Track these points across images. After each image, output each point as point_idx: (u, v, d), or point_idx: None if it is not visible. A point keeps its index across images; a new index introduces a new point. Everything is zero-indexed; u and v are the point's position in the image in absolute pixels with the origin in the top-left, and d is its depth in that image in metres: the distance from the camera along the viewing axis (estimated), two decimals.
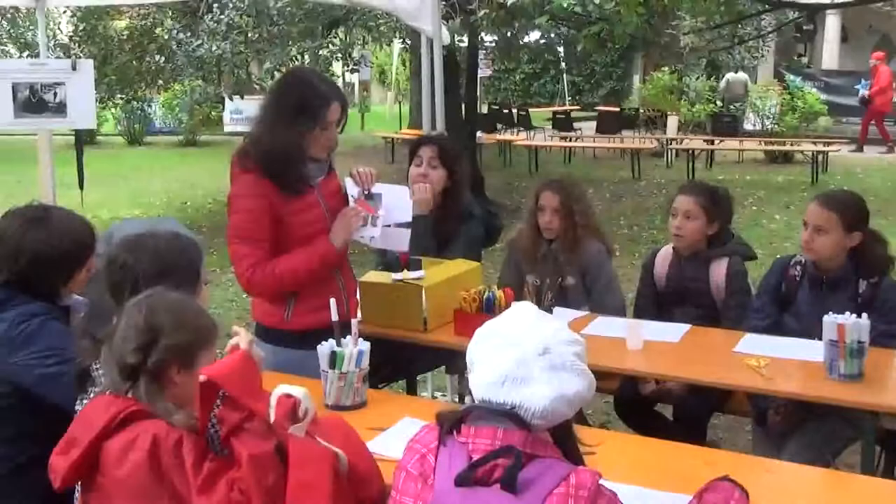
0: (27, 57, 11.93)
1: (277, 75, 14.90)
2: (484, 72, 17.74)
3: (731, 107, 17.82)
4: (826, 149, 13.88)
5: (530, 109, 19.63)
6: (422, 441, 1.75)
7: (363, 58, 16.84)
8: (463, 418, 1.70)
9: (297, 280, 3.06)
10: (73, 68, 5.73)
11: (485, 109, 19.74)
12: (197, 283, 2.38)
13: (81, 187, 10.12)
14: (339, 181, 3.27)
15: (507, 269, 4.15)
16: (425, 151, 3.86)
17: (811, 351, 3.06)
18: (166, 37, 11.03)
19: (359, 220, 3.18)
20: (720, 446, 3.84)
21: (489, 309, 3.29)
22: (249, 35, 11.08)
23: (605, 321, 3.61)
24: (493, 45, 13.95)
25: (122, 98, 13.78)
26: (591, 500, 1.58)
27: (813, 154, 13.41)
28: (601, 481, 1.63)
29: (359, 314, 3.34)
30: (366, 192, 3.25)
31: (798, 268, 3.45)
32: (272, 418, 1.87)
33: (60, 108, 5.70)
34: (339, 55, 12.66)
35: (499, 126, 18.75)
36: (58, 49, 11.57)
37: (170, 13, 11.37)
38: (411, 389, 3.86)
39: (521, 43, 13.28)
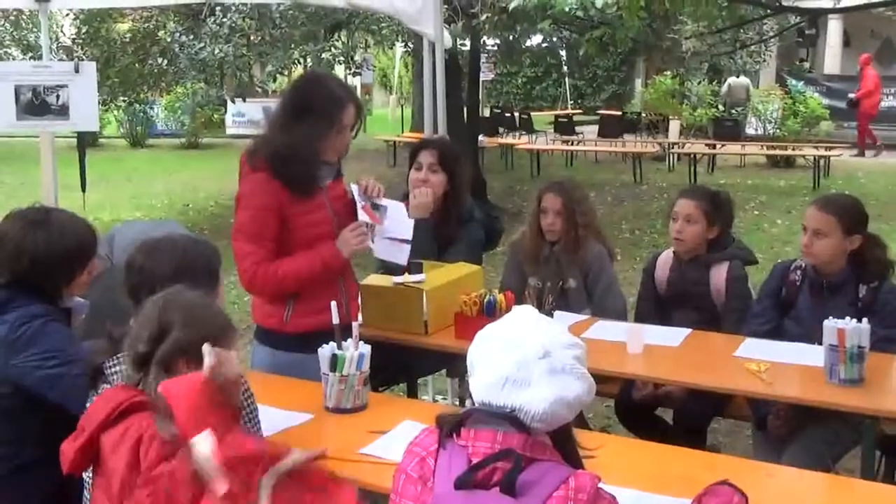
0: (30, 59, 11.94)
1: (280, 78, 14.96)
2: (486, 75, 17.75)
3: (733, 111, 17.82)
4: (828, 153, 13.88)
5: (532, 113, 19.66)
6: (421, 444, 1.76)
7: (365, 61, 16.89)
8: (462, 421, 1.71)
9: (298, 283, 3.06)
10: (76, 70, 5.73)
11: (487, 113, 19.77)
12: (215, 287, 2.40)
13: (83, 189, 10.14)
14: (345, 186, 3.27)
15: (509, 270, 4.16)
16: (425, 157, 3.86)
17: (811, 355, 3.07)
18: (169, 39, 11.04)
19: (368, 236, 3.18)
20: (720, 451, 3.84)
21: (490, 312, 3.29)
22: (252, 38, 11.10)
23: (605, 325, 3.61)
24: (496, 48, 13.98)
25: (124, 100, 13.80)
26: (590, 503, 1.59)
27: (815, 159, 13.40)
28: (600, 485, 1.64)
29: (360, 317, 3.35)
30: (372, 203, 3.25)
31: (798, 272, 3.45)
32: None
33: (63, 111, 5.70)
34: (342, 58, 12.68)
35: (501, 129, 18.76)
36: (61, 51, 11.58)
37: (172, 16, 11.38)
38: (412, 392, 3.86)
39: (523, 47, 13.31)
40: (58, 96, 5.67)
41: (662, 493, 2.20)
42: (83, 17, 11.59)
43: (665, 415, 3.86)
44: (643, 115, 18.48)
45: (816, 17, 16.11)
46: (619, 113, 19.23)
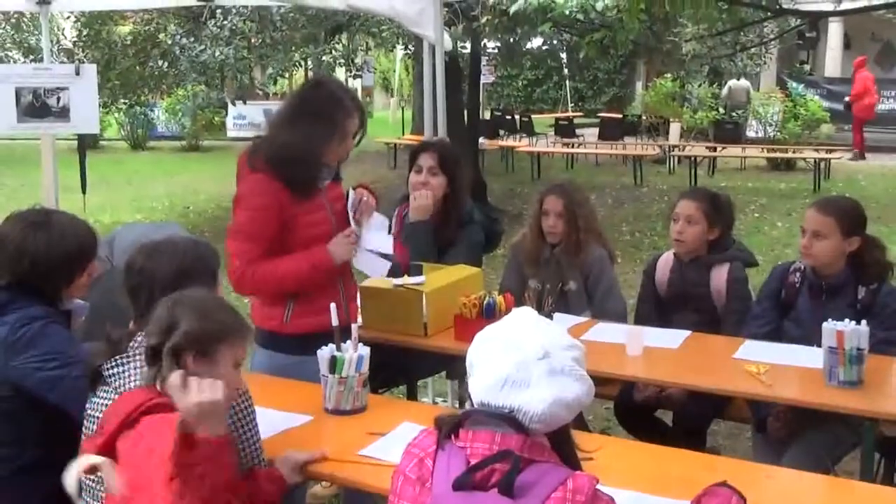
0: (31, 61, 11.95)
1: (280, 81, 14.98)
2: (487, 78, 17.75)
3: (734, 114, 17.83)
4: (828, 156, 13.88)
5: (533, 115, 19.69)
6: (420, 445, 1.76)
7: (366, 63, 16.89)
8: (461, 422, 1.71)
9: (286, 284, 3.06)
10: (77, 73, 5.74)
11: (487, 115, 19.76)
12: (214, 289, 2.40)
13: (84, 191, 10.15)
14: (342, 189, 3.28)
15: (509, 272, 4.15)
16: (425, 160, 3.86)
17: (811, 357, 3.07)
18: (170, 42, 11.04)
19: (356, 245, 3.21)
20: (720, 453, 3.84)
21: (489, 314, 3.29)
22: (252, 41, 11.11)
23: (605, 327, 3.61)
24: (496, 51, 13.98)
25: (125, 103, 13.80)
26: None
27: (815, 161, 13.40)
28: (599, 486, 1.64)
29: (359, 319, 3.35)
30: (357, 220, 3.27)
31: (798, 274, 3.45)
32: None
33: (63, 113, 5.71)
34: (342, 61, 12.68)
35: (501, 132, 18.76)
36: (61, 54, 11.58)
37: (173, 18, 11.37)
38: (412, 394, 3.86)
39: (523, 49, 13.32)
40: (58, 98, 5.68)
41: (661, 494, 2.20)
42: (84, 19, 11.58)
43: (665, 417, 3.86)
44: (644, 117, 18.48)
45: (817, 20, 16.10)
46: (620, 115, 19.25)
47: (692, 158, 14.40)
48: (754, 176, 14.85)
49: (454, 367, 3.84)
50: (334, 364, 2.70)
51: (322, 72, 11.77)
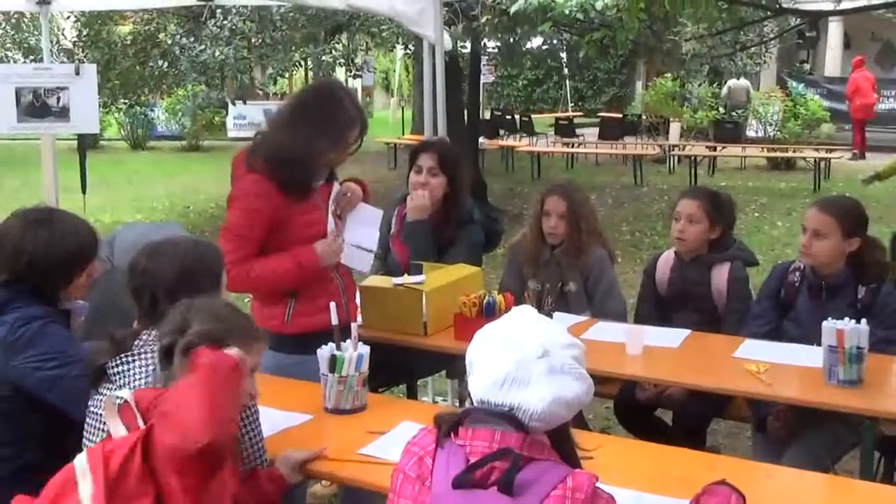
0: (31, 61, 11.95)
1: (280, 81, 14.98)
2: (487, 77, 17.76)
3: (734, 113, 17.83)
4: (828, 156, 13.88)
5: (533, 115, 19.69)
6: (419, 443, 1.76)
7: (366, 63, 16.88)
8: (461, 420, 1.71)
9: (271, 284, 3.07)
10: (77, 73, 5.74)
11: (487, 115, 19.77)
12: (217, 290, 2.40)
13: (84, 191, 10.14)
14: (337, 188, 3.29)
15: (509, 273, 4.13)
16: (425, 160, 3.86)
17: (810, 356, 3.07)
18: (169, 42, 11.04)
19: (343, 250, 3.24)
20: (720, 452, 3.84)
21: (489, 313, 3.29)
22: (252, 40, 11.11)
23: (604, 326, 3.61)
24: (496, 50, 13.97)
25: (125, 103, 13.82)
26: (587, 503, 1.59)
27: (815, 161, 13.41)
28: (598, 484, 1.64)
29: (359, 318, 3.35)
30: (339, 213, 3.28)
31: (797, 273, 3.45)
32: None
33: (64, 113, 5.71)
34: (342, 61, 12.68)
35: (501, 132, 18.76)
36: (61, 54, 11.59)
37: (173, 18, 11.38)
38: (412, 394, 3.86)
39: (523, 49, 13.30)
40: (58, 98, 5.68)
41: (661, 493, 2.20)
42: (84, 19, 11.58)
43: (665, 416, 3.86)
44: (644, 117, 18.48)
45: (817, 20, 16.11)
46: (620, 115, 19.24)
47: (692, 158, 14.41)
48: (754, 175, 14.86)
49: (454, 366, 3.84)
50: (334, 363, 2.70)
51: (322, 71, 11.78)
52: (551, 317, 3.57)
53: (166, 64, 11.19)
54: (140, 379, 2.21)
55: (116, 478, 1.92)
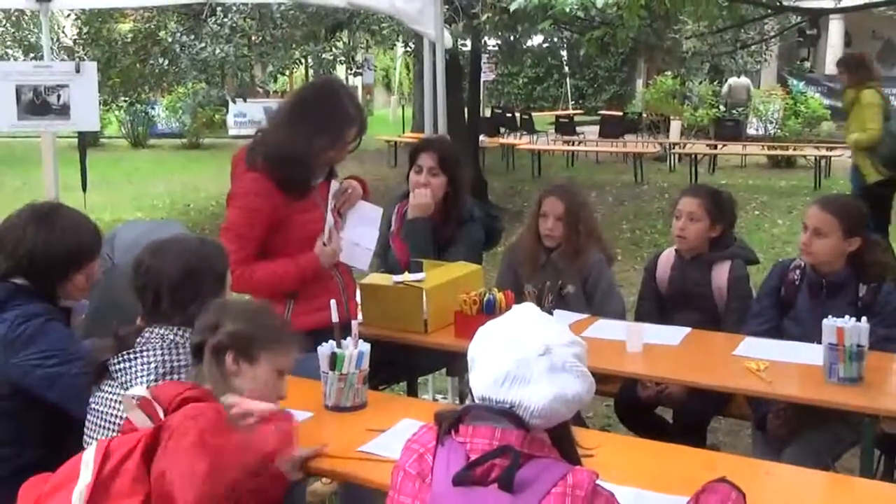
0: (31, 59, 11.94)
1: (281, 78, 14.96)
2: (487, 75, 17.73)
3: (734, 111, 17.82)
4: (829, 154, 13.86)
5: (533, 113, 19.66)
6: (420, 441, 1.76)
7: (366, 61, 16.86)
8: (461, 418, 1.71)
9: (272, 288, 3.08)
10: (77, 71, 5.73)
11: (488, 113, 19.77)
12: (221, 290, 2.41)
13: (84, 189, 10.13)
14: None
15: (505, 275, 4.07)
16: (425, 160, 3.85)
17: (811, 354, 3.06)
18: (170, 40, 11.02)
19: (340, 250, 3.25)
20: (720, 450, 3.84)
21: (489, 311, 3.29)
22: (253, 38, 11.09)
23: (605, 324, 3.61)
24: (496, 48, 13.96)
25: (125, 100, 13.79)
26: (587, 500, 1.59)
27: (816, 159, 13.40)
28: (598, 481, 1.64)
29: (359, 315, 3.35)
30: (339, 210, 3.29)
31: (797, 272, 3.45)
32: None
33: (64, 111, 5.70)
34: (343, 59, 12.67)
35: (502, 130, 18.77)
36: (62, 51, 11.57)
37: (173, 16, 11.36)
38: (412, 391, 3.86)
39: (524, 47, 13.29)
40: (59, 96, 5.67)
41: (661, 491, 2.20)
42: (84, 17, 11.57)
43: (665, 414, 3.86)
44: (644, 115, 18.47)
45: (817, 17, 16.09)
46: (620, 113, 19.24)
47: (693, 156, 14.40)
48: (755, 173, 14.85)
49: (454, 363, 3.84)
50: (334, 361, 2.71)
51: (323, 69, 11.76)
52: (552, 314, 3.57)
53: (167, 62, 11.17)
54: (142, 376, 2.21)
55: (109, 474, 1.94)
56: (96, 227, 2.78)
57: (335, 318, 2.79)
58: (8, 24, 14.50)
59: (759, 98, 18.31)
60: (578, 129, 17.83)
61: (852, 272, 3.32)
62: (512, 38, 11.40)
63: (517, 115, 19.18)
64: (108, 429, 2.22)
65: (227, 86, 14.34)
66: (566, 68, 24.30)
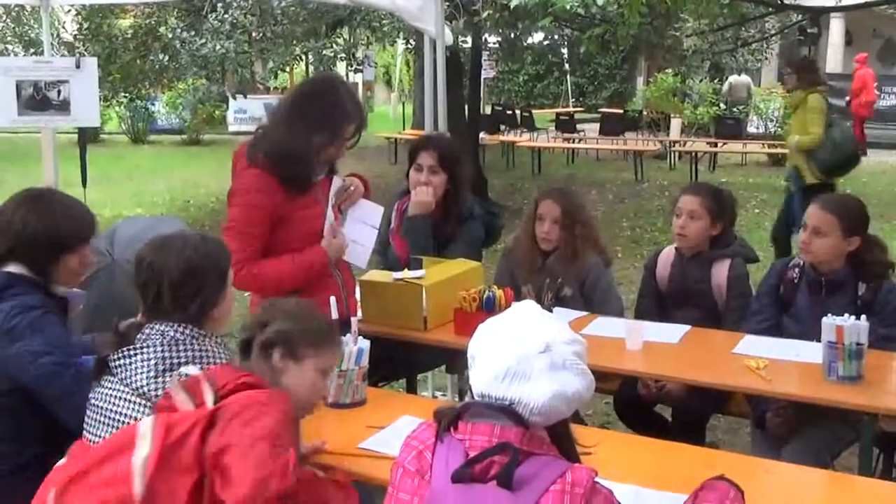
0: (31, 55, 11.94)
1: (281, 75, 14.95)
2: (487, 73, 17.74)
3: (735, 109, 17.81)
4: None
5: (533, 111, 19.66)
6: (419, 437, 1.76)
7: (367, 58, 16.83)
8: (460, 415, 1.71)
9: (279, 285, 3.07)
10: (77, 66, 5.74)
11: (488, 110, 19.76)
12: (223, 287, 2.41)
13: (84, 185, 10.13)
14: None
15: (502, 278, 4.01)
16: (425, 158, 3.84)
17: (810, 352, 3.06)
18: (170, 36, 11.01)
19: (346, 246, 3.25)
20: (719, 448, 3.84)
21: (489, 308, 3.29)
22: (253, 34, 11.08)
23: (604, 322, 3.61)
24: (497, 46, 13.96)
25: (125, 96, 13.78)
26: (586, 498, 1.59)
27: None
28: (597, 479, 1.64)
29: (359, 312, 3.35)
30: (340, 207, 3.29)
31: (796, 270, 3.44)
32: None
33: (64, 106, 5.70)
34: (343, 55, 12.66)
35: (502, 127, 18.75)
36: (62, 47, 11.58)
37: (174, 12, 11.36)
38: (411, 388, 3.86)
39: (524, 44, 13.29)
40: (59, 92, 5.67)
41: (660, 488, 2.21)
42: (84, 13, 11.56)
43: (664, 412, 3.86)
44: (644, 113, 18.46)
45: (818, 16, 16.05)
46: (621, 111, 19.23)
47: (693, 154, 14.40)
48: (755, 171, 14.84)
49: (454, 360, 3.84)
50: None
51: (323, 66, 11.75)
52: (551, 311, 3.57)
53: (167, 58, 11.16)
54: (142, 372, 2.21)
55: (172, 448, 1.97)
56: (89, 211, 2.77)
57: (335, 314, 2.79)
58: (8, 20, 14.50)
59: (759, 96, 18.29)
60: (579, 126, 17.81)
61: (852, 271, 3.32)
62: (512, 35, 11.40)
63: (517, 112, 19.16)
64: (109, 425, 2.22)
65: (227, 82, 14.33)
66: (567, 66, 24.30)
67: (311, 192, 3.13)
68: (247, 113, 19.91)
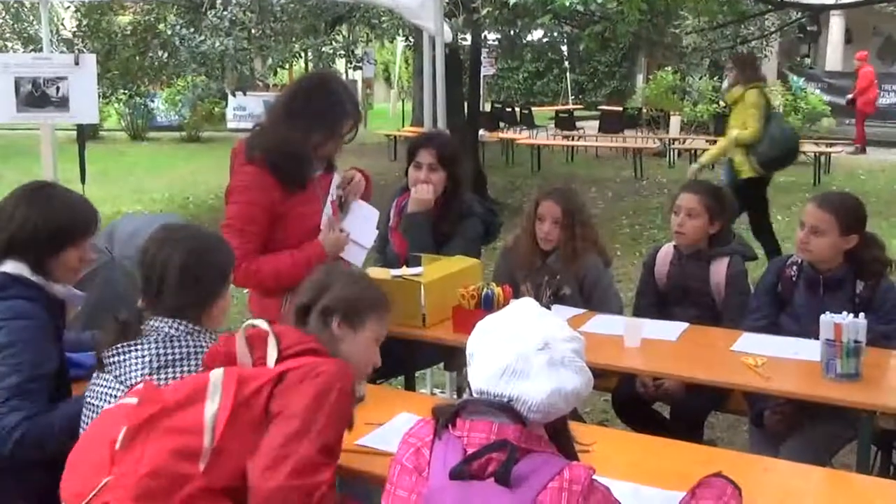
0: (30, 51, 11.92)
1: (280, 72, 14.94)
2: (487, 70, 17.72)
3: None
4: (829, 150, 13.86)
5: (533, 108, 19.66)
6: (417, 434, 1.77)
7: (366, 55, 16.82)
8: (458, 412, 1.72)
9: (278, 281, 3.08)
10: (76, 63, 5.72)
11: (487, 108, 19.75)
12: (224, 284, 2.42)
13: (83, 182, 10.11)
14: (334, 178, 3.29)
15: (501, 277, 3.95)
16: (424, 156, 3.84)
17: (808, 350, 3.07)
18: (169, 32, 10.99)
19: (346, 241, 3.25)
20: (718, 445, 3.84)
21: (488, 306, 3.29)
22: (252, 31, 11.07)
23: (603, 319, 3.61)
24: (496, 43, 13.94)
25: (124, 93, 13.76)
26: (584, 495, 1.59)
27: (815, 155, 13.39)
28: (595, 476, 1.64)
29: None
30: (342, 199, 3.28)
31: (794, 268, 3.44)
32: None
33: (63, 103, 5.69)
34: (342, 52, 12.65)
35: (501, 124, 18.75)
36: (61, 44, 11.55)
37: (173, 9, 11.34)
38: (410, 385, 3.86)
39: (524, 41, 13.27)
40: (58, 88, 5.66)
41: (658, 486, 2.21)
42: (83, 9, 11.55)
43: (663, 409, 3.87)
44: (644, 110, 18.46)
45: (818, 14, 16.08)
46: (620, 108, 19.22)
47: (692, 151, 14.38)
48: None
49: (452, 358, 3.84)
50: None
51: (322, 63, 11.75)
52: (550, 308, 3.57)
53: (166, 54, 11.15)
54: (137, 370, 2.21)
55: (245, 403, 1.95)
56: (92, 206, 2.74)
57: None
58: (7, 16, 14.47)
59: None
60: (578, 124, 17.82)
61: (850, 269, 3.32)
62: (512, 32, 11.37)
63: (517, 109, 19.15)
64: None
65: (226, 79, 14.32)
66: (566, 63, 24.24)
67: (309, 189, 3.14)
68: (246, 110, 19.88)
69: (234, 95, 15.43)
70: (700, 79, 18.88)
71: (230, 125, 21.05)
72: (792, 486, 2.35)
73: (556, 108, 21.37)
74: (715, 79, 19.16)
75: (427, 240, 3.79)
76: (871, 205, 3.49)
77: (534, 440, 1.66)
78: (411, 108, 20.24)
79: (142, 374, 2.20)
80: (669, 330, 3.47)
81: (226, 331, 2.34)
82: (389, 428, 2.51)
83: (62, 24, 13.00)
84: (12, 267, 2.52)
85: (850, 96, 16.69)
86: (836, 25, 22.10)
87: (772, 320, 3.46)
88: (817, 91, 18.39)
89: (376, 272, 3.64)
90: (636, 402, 3.75)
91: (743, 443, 3.94)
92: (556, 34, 13.38)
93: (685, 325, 3.53)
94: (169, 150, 18.84)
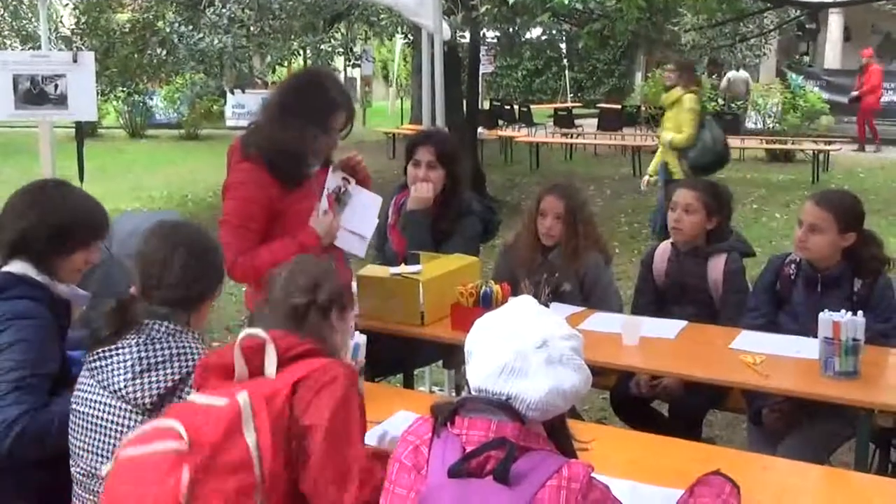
0: (29, 49, 11.90)
1: (279, 69, 14.92)
2: (486, 68, 17.71)
3: (733, 105, 17.79)
4: (827, 148, 13.87)
5: (532, 106, 19.64)
6: (415, 433, 1.76)
7: (365, 53, 16.83)
8: (457, 410, 1.71)
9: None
10: (75, 60, 5.72)
11: (486, 105, 19.75)
12: (219, 285, 2.42)
13: (82, 180, 10.10)
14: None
15: (501, 274, 3.97)
16: (423, 154, 3.84)
17: (807, 348, 3.07)
18: (168, 30, 10.98)
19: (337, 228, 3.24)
20: (716, 443, 3.85)
21: (486, 303, 3.29)
22: (251, 29, 11.06)
23: (601, 317, 3.61)
24: (495, 41, 13.94)
25: (123, 91, 13.76)
26: (582, 493, 1.59)
27: (814, 153, 13.41)
28: (593, 474, 1.64)
29: (356, 307, 3.35)
30: (341, 191, 3.28)
31: (793, 266, 3.45)
32: None
33: (61, 101, 5.70)
34: (341, 50, 12.64)
35: (500, 122, 18.73)
36: (59, 41, 11.54)
37: (172, 6, 11.34)
38: (408, 383, 3.86)
39: (522, 39, 13.27)
40: (56, 86, 5.66)
41: (657, 484, 2.21)
42: (82, 6, 11.55)
43: (661, 407, 3.87)
44: (643, 108, 18.45)
45: (817, 11, 16.11)
46: (619, 106, 19.22)
47: None
48: (753, 167, 14.84)
49: (451, 356, 3.84)
50: None
51: (321, 60, 11.74)
52: (549, 306, 3.57)
53: (165, 52, 11.14)
54: (119, 374, 2.18)
55: (277, 418, 1.90)
56: (103, 209, 2.72)
57: None
58: (6, 14, 14.46)
59: (757, 92, 18.27)
60: (577, 121, 17.80)
61: (848, 267, 3.32)
62: (511, 30, 11.37)
63: (516, 107, 19.14)
64: (93, 430, 2.20)
65: (225, 77, 14.31)
66: (565, 61, 24.26)
67: (307, 186, 3.14)
68: (245, 108, 19.86)
69: (232, 93, 15.46)
70: (699, 76, 18.86)
71: (229, 123, 21.05)
72: (790, 483, 2.36)
73: (554, 105, 21.36)
74: (713, 77, 19.17)
75: (426, 238, 3.79)
76: (869, 203, 3.50)
77: (532, 438, 1.66)
78: (410, 106, 20.23)
79: (125, 379, 2.17)
80: (668, 328, 3.47)
81: (223, 329, 2.34)
82: (388, 426, 2.50)
83: (61, 22, 12.99)
84: (17, 267, 2.51)
85: (854, 94, 16.69)
86: (834, 23, 22.12)
87: (770, 318, 3.46)
88: (816, 89, 18.38)
89: (375, 270, 3.64)
90: (634, 400, 3.75)
91: (741, 441, 3.94)
92: (554, 32, 13.38)
93: (683, 323, 3.53)
94: (167, 148, 18.82)
